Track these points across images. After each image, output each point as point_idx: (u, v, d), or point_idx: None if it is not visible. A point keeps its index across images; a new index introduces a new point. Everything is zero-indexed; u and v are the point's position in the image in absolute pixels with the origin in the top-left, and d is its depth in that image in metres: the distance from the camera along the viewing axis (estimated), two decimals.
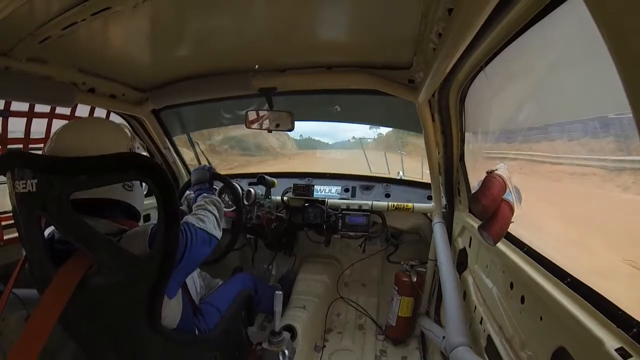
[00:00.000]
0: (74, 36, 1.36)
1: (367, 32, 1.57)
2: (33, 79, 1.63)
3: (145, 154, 1.52)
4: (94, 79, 1.94)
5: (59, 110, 1.95)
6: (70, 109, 1.99)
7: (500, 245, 1.52)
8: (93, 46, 1.57)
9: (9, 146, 1.81)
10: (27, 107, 1.81)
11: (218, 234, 1.64)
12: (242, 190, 2.70)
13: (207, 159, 3.32)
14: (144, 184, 1.51)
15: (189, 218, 1.60)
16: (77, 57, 1.68)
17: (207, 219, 1.63)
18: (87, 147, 1.29)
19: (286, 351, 2.05)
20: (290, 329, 2.37)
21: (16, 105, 1.75)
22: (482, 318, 1.68)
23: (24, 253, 1.38)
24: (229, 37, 1.65)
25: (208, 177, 2.21)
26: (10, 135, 1.80)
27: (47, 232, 1.33)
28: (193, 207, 1.82)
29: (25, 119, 1.84)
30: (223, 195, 2.86)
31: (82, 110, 2.10)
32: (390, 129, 7.07)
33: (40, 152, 1.42)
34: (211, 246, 1.61)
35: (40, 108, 1.87)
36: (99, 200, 1.34)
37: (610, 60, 0.55)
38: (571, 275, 1.11)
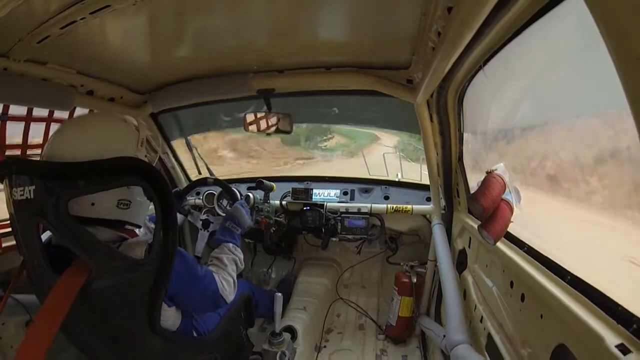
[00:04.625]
0: (73, 36, 1.35)
1: (366, 32, 1.57)
2: (31, 81, 1.62)
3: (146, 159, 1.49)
4: (93, 81, 1.92)
5: (57, 114, 1.93)
6: (68, 113, 1.98)
7: (499, 244, 1.52)
8: (92, 47, 1.56)
9: (7, 152, 1.80)
10: (25, 111, 1.80)
11: (230, 299, 1.63)
12: (241, 195, 2.70)
13: (205, 164, 3.30)
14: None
15: (215, 274, 1.61)
16: (75, 58, 1.67)
17: (227, 283, 1.63)
18: (90, 150, 1.25)
19: (286, 352, 2.05)
20: (291, 329, 2.38)
21: (14, 110, 1.74)
22: (482, 316, 1.68)
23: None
24: (228, 38, 1.65)
25: (247, 226, 2.05)
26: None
27: (43, 237, 1.32)
28: (214, 252, 1.80)
29: (22, 124, 1.83)
30: (221, 201, 2.86)
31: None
32: None
33: (38, 158, 1.40)
34: (214, 308, 1.63)
35: (38, 112, 1.85)
36: (96, 220, 1.32)
37: (609, 59, 0.55)
38: (571, 273, 1.12)
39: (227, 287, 1.61)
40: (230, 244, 1.82)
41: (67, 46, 1.47)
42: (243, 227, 2.00)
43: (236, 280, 1.70)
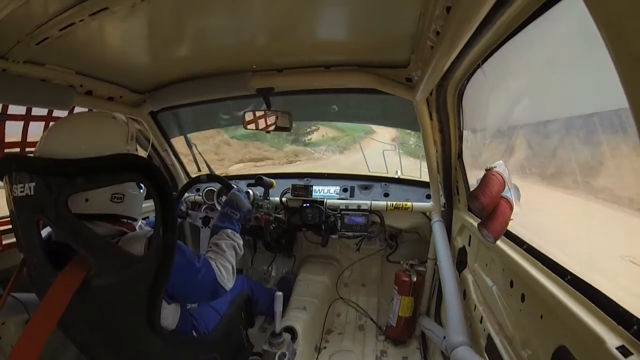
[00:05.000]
0: (72, 37, 1.35)
1: (365, 31, 1.56)
2: (30, 81, 1.62)
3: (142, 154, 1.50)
4: (92, 81, 1.92)
5: (57, 113, 1.93)
6: (67, 112, 1.98)
7: (499, 243, 1.52)
8: (91, 48, 1.56)
9: (5, 150, 1.80)
10: (24, 110, 1.80)
11: (229, 286, 1.60)
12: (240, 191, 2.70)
13: (205, 161, 3.30)
14: (142, 188, 1.49)
15: (212, 260, 1.59)
16: (74, 59, 1.67)
17: (226, 270, 1.61)
18: (79, 147, 1.27)
19: (287, 352, 2.05)
20: (291, 330, 2.38)
21: (13, 109, 1.74)
22: (482, 317, 1.68)
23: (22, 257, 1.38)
24: (227, 37, 1.65)
25: (246, 210, 2.04)
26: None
27: (43, 233, 1.32)
28: (212, 238, 1.79)
29: (21, 122, 1.83)
30: (221, 197, 2.86)
31: None
32: None
33: None
34: (214, 297, 1.59)
35: (37, 111, 1.85)
36: (92, 215, 1.32)
37: (608, 58, 0.55)
38: (571, 273, 1.11)
39: (226, 274, 1.59)
40: (229, 230, 1.80)
41: (65, 47, 1.47)
42: (242, 210, 1.98)
43: (235, 267, 1.67)
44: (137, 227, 1.54)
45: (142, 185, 1.48)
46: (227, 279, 1.59)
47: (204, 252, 2.63)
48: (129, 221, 1.48)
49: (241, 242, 1.80)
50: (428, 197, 2.77)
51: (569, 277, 1.10)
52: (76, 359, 1.97)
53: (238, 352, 2.03)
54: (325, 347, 2.80)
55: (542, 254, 1.31)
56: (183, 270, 1.42)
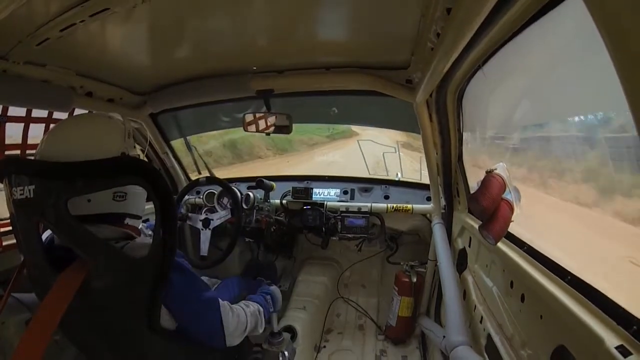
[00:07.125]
0: (72, 38, 1.35)
1: (365, 32, 1.57)
2: (30, 82, 1.62)
3: (138, 154, 1.49)
4: (92, 83, 1.93)
5: (57, 115, 1.93)
6: (67, 114, 1.98)
7: (500, 244, 1.52)
8: (91, 49, 1.56)
9: (6, 152, 1.80)
10: (25, 112, 1.80)
11: (230, 340, 1.56)
12: (241, 194, 2.70)
13: (205, 163, 3.30)
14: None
15: (229, 305, 1.56)
16: (75, 60, 1.67)
17: (239, 321, 1.58)
18: (78, 148, 1.26)
19: (286, 352, 2.05)
20: (290, 329, 2.38)
21: (13, 111, 1.74)
22: (482, 317, 1.68)
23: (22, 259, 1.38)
24: (227, 39, 1.65)
25: (278, 309, 1.98)
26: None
27: (44, 235, 1.32)
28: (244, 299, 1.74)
29: (22, 124, 1.83)
30: (222, 199, 2.86)
31: None
32: None
33: None
34: (209, 340, 1.53)
35: (37, 113, 1.85)
36: (94, 215, 1.32)
37: (608, 59, 0.55)
38: (571, 274, 1.11)
39: (233, 320, 1.53)
40: (262, 309, 1.75)
41: (66, 48, 1.47)
42: (276, 309, 1.95)
43: (247, 329, 1.63)
44: (142, 229, 1.53)
45: None
46: (233, 328, 1.54)
47: (204, 252, 2.62)
48: (133, 220, 1.48)
49: (264, 325, 1.75)
50: (428, 199, 2.77)
51: (569, 277, 1.10)
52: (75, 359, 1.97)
53: (237, 351, 2.02)
54: (324, 347, 2.80)
55: (542, 255, 1.31)
56: (183, 289, 1.39)
